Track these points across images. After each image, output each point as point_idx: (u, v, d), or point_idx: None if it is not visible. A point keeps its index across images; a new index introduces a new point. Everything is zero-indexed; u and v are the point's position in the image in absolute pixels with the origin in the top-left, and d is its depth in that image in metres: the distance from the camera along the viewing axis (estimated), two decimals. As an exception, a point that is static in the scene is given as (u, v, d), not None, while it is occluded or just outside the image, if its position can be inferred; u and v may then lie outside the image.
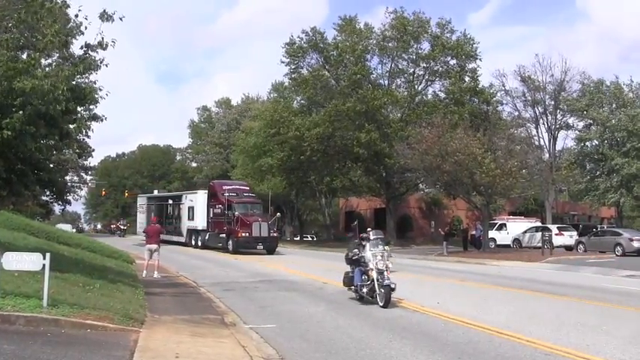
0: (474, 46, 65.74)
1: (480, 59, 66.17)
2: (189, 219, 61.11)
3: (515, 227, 60.07)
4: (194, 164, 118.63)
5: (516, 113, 70.51)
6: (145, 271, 29.09)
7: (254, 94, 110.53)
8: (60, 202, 60.86)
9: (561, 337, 14.72)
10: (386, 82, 68.44)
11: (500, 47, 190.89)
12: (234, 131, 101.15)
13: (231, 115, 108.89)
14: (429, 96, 69.00)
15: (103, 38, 17.98)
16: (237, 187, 58.05)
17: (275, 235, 53.33)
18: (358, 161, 67.00)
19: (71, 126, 20.24)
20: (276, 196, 76.08)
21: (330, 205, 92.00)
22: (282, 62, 67.54)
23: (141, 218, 71.77)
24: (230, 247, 51.31)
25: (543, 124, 69.70)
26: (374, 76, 67.98)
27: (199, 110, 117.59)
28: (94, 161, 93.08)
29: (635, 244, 46.96)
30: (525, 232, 57.58)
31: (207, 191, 58.82)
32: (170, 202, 67.22)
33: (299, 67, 68.02)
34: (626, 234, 49.55)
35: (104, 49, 18.12)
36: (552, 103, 68.75)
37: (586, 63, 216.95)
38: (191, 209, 60.82)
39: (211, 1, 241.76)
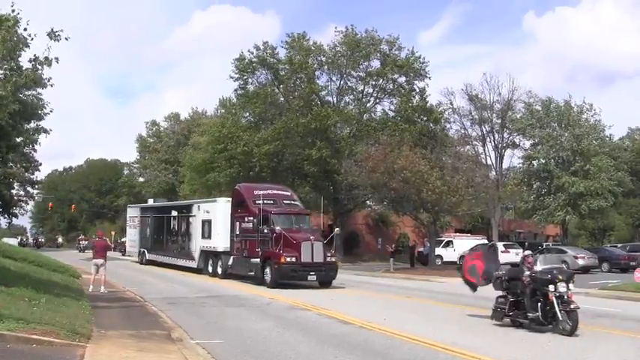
0: (423, 64, 66.39)
1: (429, 77, 66.85)
2: (203, 237, 44.21)
3: (462, 244, 60.45)
4: (141, 179, 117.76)
5: (463, 131, 71.15)
6: (91, 286, 28.84)
7: (201, 108, 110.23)
8: (6, 216, 59.95)
9: (507, 353, 14.99)
10: (334, 99, 68.69)
11: (450, 65, 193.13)
12: (182, 146, 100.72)
13: (179, 129, 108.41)
14: (379, 113, 69.46)
15: (47, 57, 18.01)
16: (275, 191, 40.67)
17: (333, 260, 36.03)
18: (307, 178, 67.06)
19: (18, 139, 20.28)
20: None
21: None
22: (231, 77, 67.43)
23: (131, 234, 60.02)
24: (268, 277, 34.36)
25: (490, 142, 70.40)
26: (323, 93, 68.23)
27: (148, 125, 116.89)
28: (40, 175, 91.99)
29: (580, 262, 47.84)
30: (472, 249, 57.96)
31: (230, 199, 41.63)
32: (174, 213, 50.58)
33: (248, 83, 67.98)
34: (571, 251, 50.43)
35: (49, 65, 18.12)
36: (499, 121, 69.47)
37: (533, 83, 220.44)
38: (207, 224, 44.06)
39: (164, 17, 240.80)
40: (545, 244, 67.59)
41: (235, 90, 69.38)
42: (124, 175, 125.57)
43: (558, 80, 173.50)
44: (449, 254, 59.29)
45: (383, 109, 69.63)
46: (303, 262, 33.85)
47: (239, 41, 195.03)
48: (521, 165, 72.01)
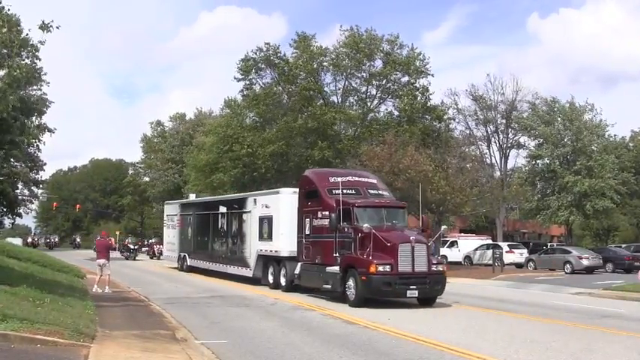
0: (424, 61, 66.31)
1: (432, 75, 66.73)
2: (261, 238, 35.30)
3: (467, 244, 60.56)
4: (146, 179, 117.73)
5: (468, 132, 71.10)
6: (95, 286, 28.88)
7: (207, 109, 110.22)
8: (10, 216, 60.08)
9: (511, 353, 14.99)
10: (339, 99, 68.68)
11: (454, 66, 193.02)
12: (187, 146, 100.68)
13: (184, 129, 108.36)
14: (382, 114, 69.37)
15: (37, 44, 18.27)
16: (357, 178, 31.94)
17: (440, 269, 27.03)
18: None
19: (21, 137, 20.40)
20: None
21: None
22: (236, 78, 67.46)
23: (169, 236, 51.69)
24: (351, 292, 25.96)
25: (495, 142, 70.38)
26: (327, 93, 68.20)
27: (153, 125, 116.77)
28: (45, 175, 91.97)
29: (584, 262, 47.74)
30: (476, 249, 57.98)
31: (296, 190, 32.97)
32: (222, 210, 41.85)
33: (252, 84, 67.97)
34: (575, 252, 50.36)
35: (37, 51, 18.35)
36: (504, 122, 69.43)
37: (537, 85, 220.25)
38: (266, 221, 35.20)
39: (170, 17, 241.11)
40: (549, 244, 67.57)
41: (241, 91, 69.41)
42: (129, 175, 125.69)
43: (562, 82, 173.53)
44: (454, 254, 59.18)
45: (387, 109, 69.62)
46: (401, 271, 25.15)
47: (245, 42, 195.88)
48: (525, 165, 72.04)
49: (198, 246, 45.06)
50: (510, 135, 70.39)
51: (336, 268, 26.76)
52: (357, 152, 58.70)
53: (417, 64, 65.54)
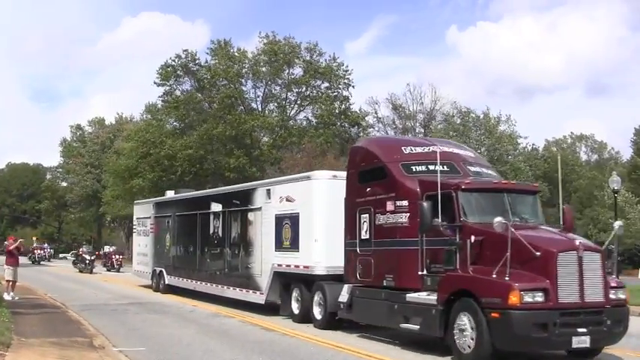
0: (347, 72, 67.03)
1: (353, 86, 67.47)
2: (279, 247, 23.38)
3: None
4: (64, 184, 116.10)
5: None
6: (11, 293, 28.34)
7: (128, 115, 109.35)
8: None
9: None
10: (259, 106, 68.96)
11: (376, 76, 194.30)
12: (107, 151, 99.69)
13: (104, 134, 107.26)
14: (300, 121, 69.89)
15: None
16: (446, 148, 19.41)
17: (622, 296, 15.01)
18: (230, 184, 67.01)
19: None
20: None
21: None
22: (155, 84, 67.27)
23: (141, 244, 39.13)
24: (466, 341, 14.48)
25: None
26: (248, 100, 68.46)
27: (72, 129, 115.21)
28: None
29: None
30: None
31: (337, 173, 22.07)
32: (216, 208, 29.32)
33: (172, 89, 67.92)
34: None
35: None
36: (422, 131, 70.42)
37: (455, 95, 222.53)
38: (287, 222, 23.00)
39: (93, 21, 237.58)
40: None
41: (160, 96, 69.18)
42: (47, 180, 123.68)
43: (480, 93, 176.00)
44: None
45: (306, 116, 70.10)
46: (564, 302, 14.10)
47: (168, 48, 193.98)
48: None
49: (181, 259, 33.01)
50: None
51: (429, 297, 15.84)
52: (276, 159, 58.99)
53: (339, 73, 66.27)
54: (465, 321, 14.44)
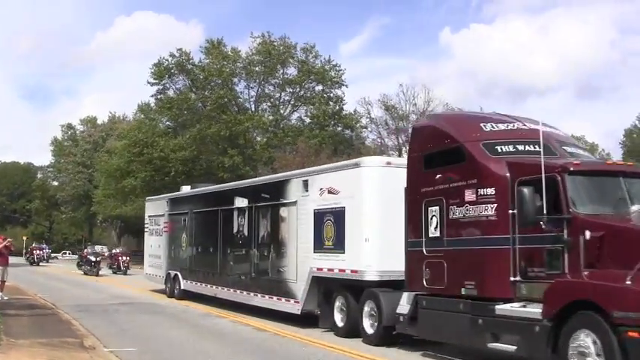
0: (340, 72, 67.03)
1: (346, 86, 67.44)
2: (319, 248, 19.79)
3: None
4: (55, 183, 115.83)
5: (380, 141, 71.74)
6: (0, 293, 28.14)
7: (120, 114, 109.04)
8: None
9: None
10: (252, 106, 68.86)
11: (369, 76, 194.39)
12: (99, 149, 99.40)
13: (96, 133, 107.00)
14: (294, 121, 69.82)
15: None
16: (533, 125, 15.12)
17: None
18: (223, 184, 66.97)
19: None
20: (140, 219, 74.73)
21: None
22: (149, 83, 67.05)
23: (153, 244, 35.06)
24: None
25: (406, 152, 71.01)
26: (241, 100, 68.37)
27: (64, 128, 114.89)
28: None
29: None
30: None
31: (389, 160, 20.08)
32: (241, 204, 25.71)
33: (165, 89, 67.74)
34: None
35: None
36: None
37: (449, 96, 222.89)
38: (329, 218, 19.45)
39: (86, 20, 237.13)
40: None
41: (153, 95, 68.99)
42: (38, 179, 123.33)
43: (473, 94, 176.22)
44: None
45: (299, 117, 70.06)
46: None
47: (162, 48, 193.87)
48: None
49: (200, 261, 29.46)
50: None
51: (529, 309, 12.62)
52: (270, 159, 58.89)
53: (332, 74, 66.28)
54: (587, 342, 11.15)
